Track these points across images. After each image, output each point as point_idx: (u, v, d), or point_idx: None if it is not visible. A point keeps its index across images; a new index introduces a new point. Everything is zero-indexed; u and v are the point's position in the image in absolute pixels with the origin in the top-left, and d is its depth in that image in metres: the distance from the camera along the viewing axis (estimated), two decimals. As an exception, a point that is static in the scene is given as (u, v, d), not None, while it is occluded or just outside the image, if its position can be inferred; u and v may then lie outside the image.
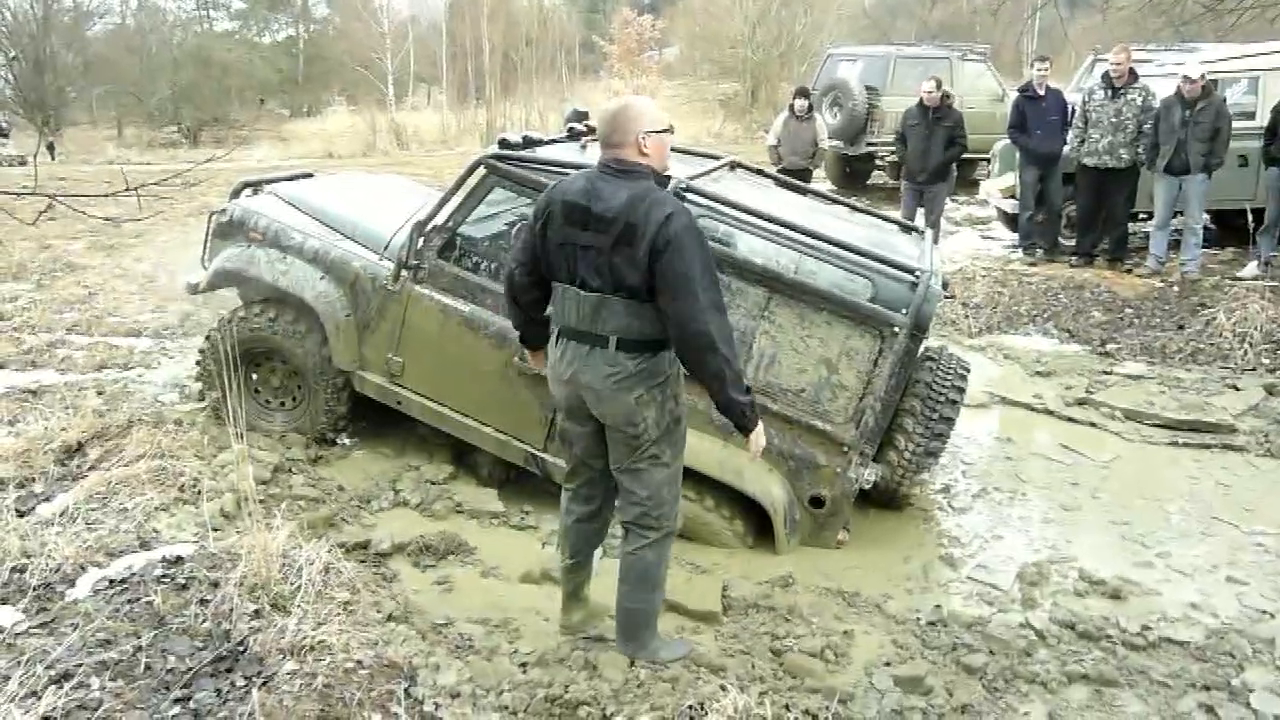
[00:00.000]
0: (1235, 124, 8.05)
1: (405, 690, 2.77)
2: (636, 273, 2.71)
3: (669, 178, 2.90)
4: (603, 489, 3.11)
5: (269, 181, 5.05)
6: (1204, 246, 8.52)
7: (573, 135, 4.75)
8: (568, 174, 3.97)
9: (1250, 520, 4.40)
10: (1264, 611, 3.64)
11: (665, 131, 2.85)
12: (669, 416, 2.90)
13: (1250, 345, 6.59)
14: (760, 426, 2.88)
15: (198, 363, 4.76)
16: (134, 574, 3.10)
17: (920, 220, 8.43)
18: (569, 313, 2.87)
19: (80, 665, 2.59)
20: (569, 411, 3.00)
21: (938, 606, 3.58)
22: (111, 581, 3.06)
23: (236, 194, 4.85)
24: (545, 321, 3.05)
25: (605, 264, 2.75)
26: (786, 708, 2.81)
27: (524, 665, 3.05)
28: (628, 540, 3.03)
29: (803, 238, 3.86)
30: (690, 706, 2.76)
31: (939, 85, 8.79)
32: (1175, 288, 7.94)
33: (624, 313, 2.78)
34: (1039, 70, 8.89)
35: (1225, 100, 8.10)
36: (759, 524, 3.96)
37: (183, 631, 2.80)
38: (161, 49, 28.24)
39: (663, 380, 2.87)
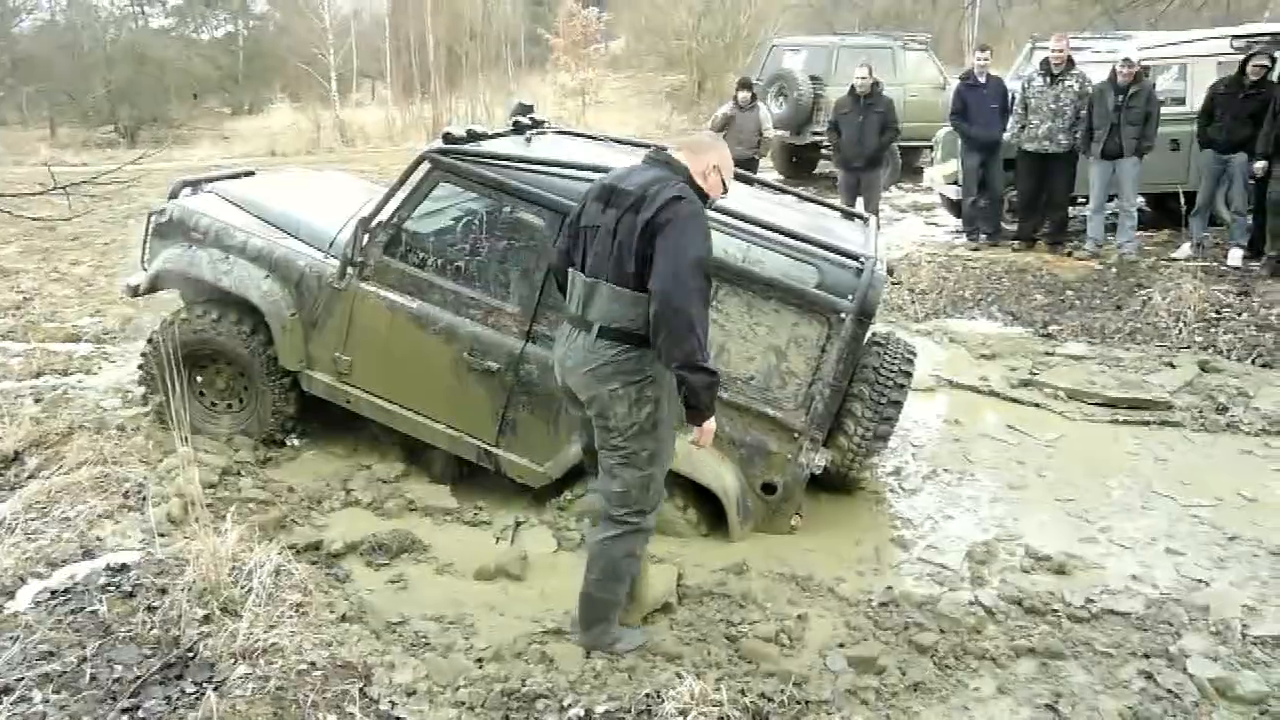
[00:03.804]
0: (1166, 109, 8.28)
1: (360, 690, 2.75)
2: (633, 241, 2.75)
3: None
4: None
5: (209, 180, 4.95)
6: (1139, 229, 8.75)
7: (518, 129, 4.72)
8: (512, 168, 4.00)
9: (1187, 493, 4.54)
10: (1200, 580, 3.76)
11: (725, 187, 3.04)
12: (645, 419, 2.90)
13: (1184, 324, 6.80)
14: (713, 418, 2.88)
15: (140, 366, 4.66)
16: (77, 583, 3.03)
17: (859, 207, 8.54)
18: (571, 298, 2.99)
19: (21, 679, 2.53)
20: (564, 393, 3.11)
21: (889, 587, 3.64)
22: (54, 592, 2.99)
23: (175, 194, 4.75)
24: None
25: (610, 240, 2.82)
26: (742, 692, 2.85)
27: (480, 660, 3.05)
28: (598, 528, 3.07)
29: (749, 226, 3.89)
30: (647, 695, 2.78)
31: (870, 72, 8.95)
32: (1113, 270, 8.15)
33: (610, 299, 2.84)
34: (980, 59, 9.04)
35: (1155, 85, 8.31)
36: (712, 512, 3.99)
37: (130, 640, 2.75)
38: (94, 46, 27.41)
39: (640, 380, 2.88)
